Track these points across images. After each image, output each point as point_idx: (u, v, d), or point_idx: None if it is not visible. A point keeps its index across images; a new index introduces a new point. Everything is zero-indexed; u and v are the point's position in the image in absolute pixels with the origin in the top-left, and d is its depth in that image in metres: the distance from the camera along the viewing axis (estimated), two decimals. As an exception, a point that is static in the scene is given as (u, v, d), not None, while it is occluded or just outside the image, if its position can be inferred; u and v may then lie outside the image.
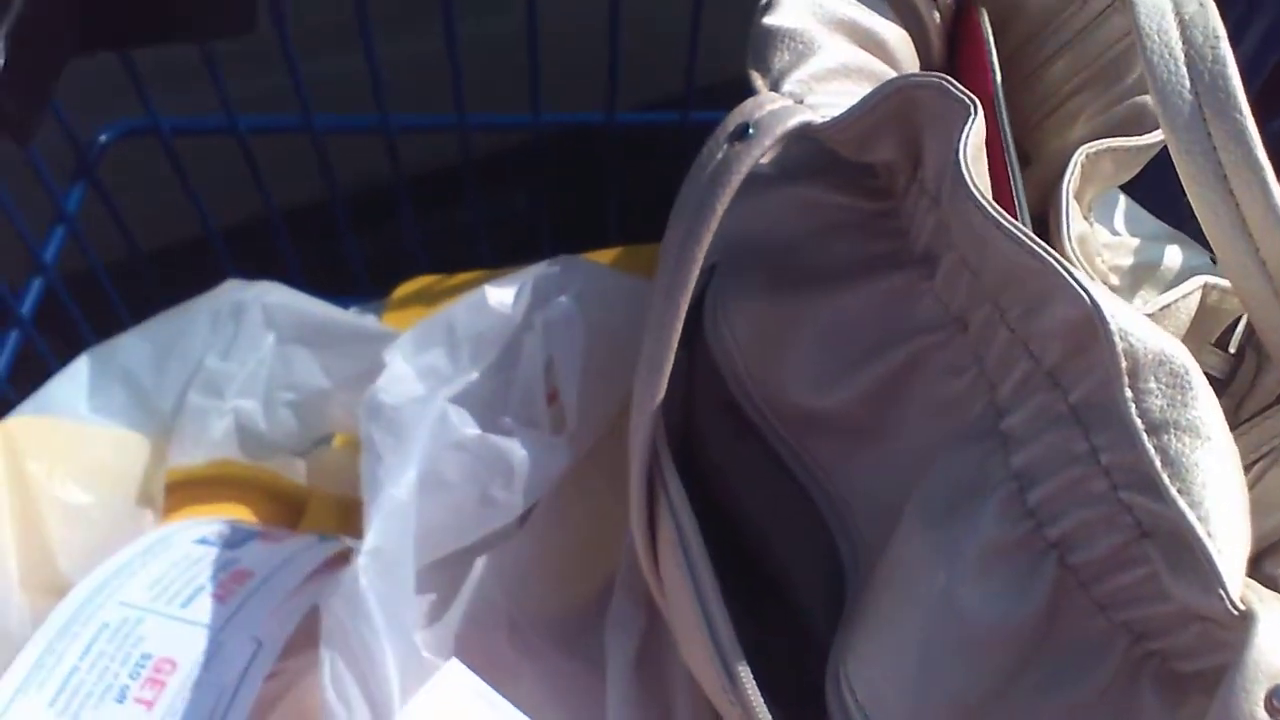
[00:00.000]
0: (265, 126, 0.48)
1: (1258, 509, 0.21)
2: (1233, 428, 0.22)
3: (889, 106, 0.24)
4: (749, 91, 0.27)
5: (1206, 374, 0.21)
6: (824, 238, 0.28)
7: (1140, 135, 0.30)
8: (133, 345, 0.40)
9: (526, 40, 0.46)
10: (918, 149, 0.25)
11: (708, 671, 0.25)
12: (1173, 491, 0.19)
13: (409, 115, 0.48)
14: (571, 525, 0.34)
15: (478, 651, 0.30)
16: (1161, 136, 0.30)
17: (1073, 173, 0.30)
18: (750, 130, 0.24)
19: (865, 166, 0.27)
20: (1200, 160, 0.24)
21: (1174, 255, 0.32)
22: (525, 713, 0.28)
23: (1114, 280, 0.32)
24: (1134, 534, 0.21)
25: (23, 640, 0.31)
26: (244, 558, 0.34)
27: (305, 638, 0.31)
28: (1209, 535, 0.19)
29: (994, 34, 0.31)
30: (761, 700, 0.24)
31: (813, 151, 0.28)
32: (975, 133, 0.23)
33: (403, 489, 0.31)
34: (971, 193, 0.22)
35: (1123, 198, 0.35)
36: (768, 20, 0.27)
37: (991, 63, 0.30)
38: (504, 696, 0.29)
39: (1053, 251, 0.21)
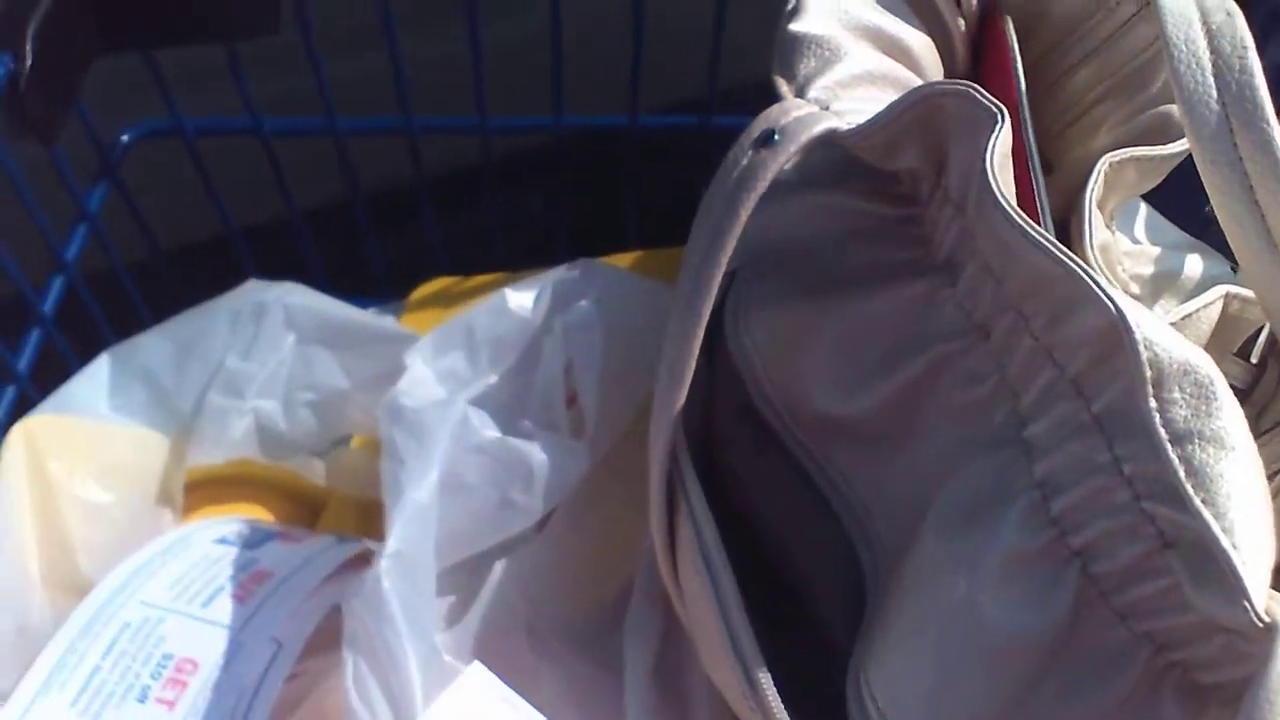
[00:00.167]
0: (289, 129, 0.48)
1: (1281, 520, 0.21)
2: (1254, 438, 0.22)
3: (915, 114, 0.24)
4: (772, 96, 0.27)
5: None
6: (845, 244, 0.28)
7: (1164, 144, 0.30)
8: (153, 345, 0.40)
9: (551, 41, 0.46)
10: (942, 156, 0.25)
11: (728, 678, 0.25)
12: (1197, 502, 0.19)
13: (432, 117, 0.48)
14: (590, 530, 0.34)
15: (496, 655, 0.30)
16: (1185, 146, 0.30)
17: (1096, 181, 0.29)
18: (776, 136, 0.24)
19: (888, 173, 0.27)
20: (1226, 170, 0.24)
21: (1195, 264, 0.32)
22: (545, 717, 0.28)
23: (1135, 289, 0.32)
24: (1157, 544, 0.21)
25: (44, 637, 0.31)
26: (263, 558, 0.34)
27: (324, 639, 0.31)
28: (1234, 547, 0.19)
29: (1018, 41, 0.31)
30: (782, 707, 0.24)
31: (835, 157, 0.28)
32: (1002, 141, 0.23)
33: (424, 492, 0.31)
34: (999, 201, 0.22)
35: (1143, 206, 0.35)
36: (794, 26, 0.28)
37: (1016, 70, 0.30)
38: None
39: (1079, 260, 0.21)
